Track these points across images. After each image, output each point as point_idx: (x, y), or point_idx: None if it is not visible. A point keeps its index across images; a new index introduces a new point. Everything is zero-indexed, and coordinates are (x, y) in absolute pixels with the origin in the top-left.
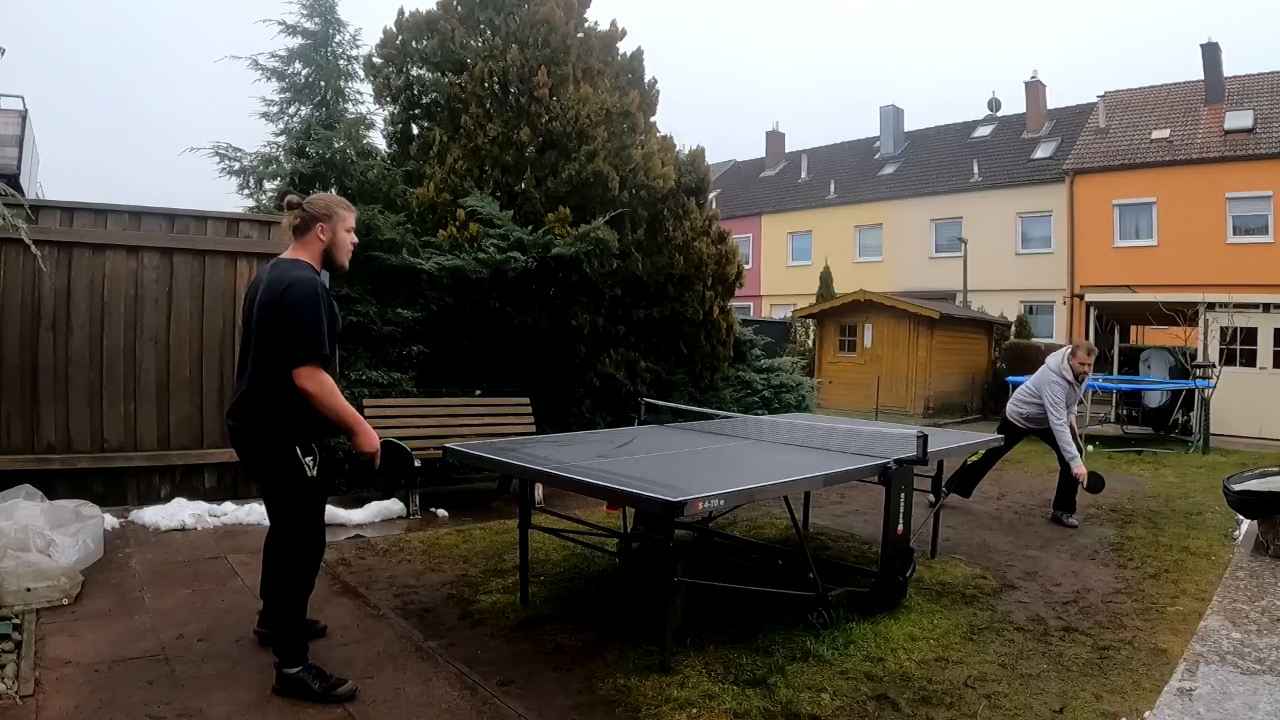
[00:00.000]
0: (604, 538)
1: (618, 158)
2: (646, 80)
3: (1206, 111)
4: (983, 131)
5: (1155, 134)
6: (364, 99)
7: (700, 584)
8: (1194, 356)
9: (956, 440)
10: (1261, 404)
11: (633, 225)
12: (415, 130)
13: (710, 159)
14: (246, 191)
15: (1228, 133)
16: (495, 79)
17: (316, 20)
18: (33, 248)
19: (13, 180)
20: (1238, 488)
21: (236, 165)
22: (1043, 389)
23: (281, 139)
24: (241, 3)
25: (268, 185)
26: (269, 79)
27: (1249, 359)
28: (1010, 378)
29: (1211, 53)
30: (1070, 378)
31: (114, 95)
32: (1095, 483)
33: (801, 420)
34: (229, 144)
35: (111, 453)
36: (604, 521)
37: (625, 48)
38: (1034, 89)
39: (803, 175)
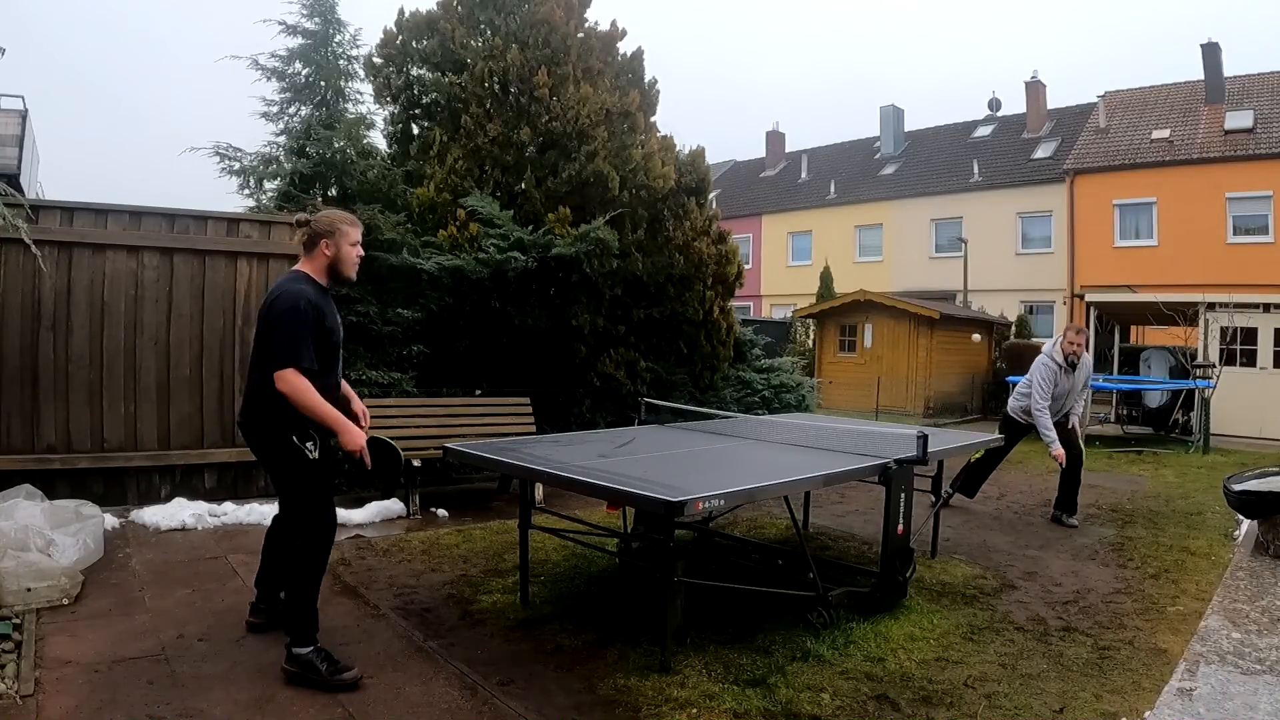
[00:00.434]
0: (604, 538)
1: (618, 158)
2: (646, 80)
3: (1206, 111)
4: (983, 131)
5: (1155, 134)
6: (364, 99)
7: (700, 584)
8: (1194, 356)
9: (956, 440)
10: (1261, 404)
11: (633, 225)
12: (415, 130)
13: (710, 159)
14: (246, 191)
15: (1228, 133)
16: (495, 79)
17: (316, 20)
18: (33, 248)
19: (13, 180)
20: (1238, 488)
21: (236, 165)
22: (1031, 373)
23: (281, 139)
24: (241, 3)
25: (268, 185)
26: (269, 79)
27: (1249, 359)
28: (1010, 378)
29: (1211, 53)
30: (1060, 360)
31: (114, 95)
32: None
33: (801, 420)
34: (229, 144)
35: (111, 453)
36: (604, 521)
37: (625, 48)
38: (1034, 89)
39: (803, 175)
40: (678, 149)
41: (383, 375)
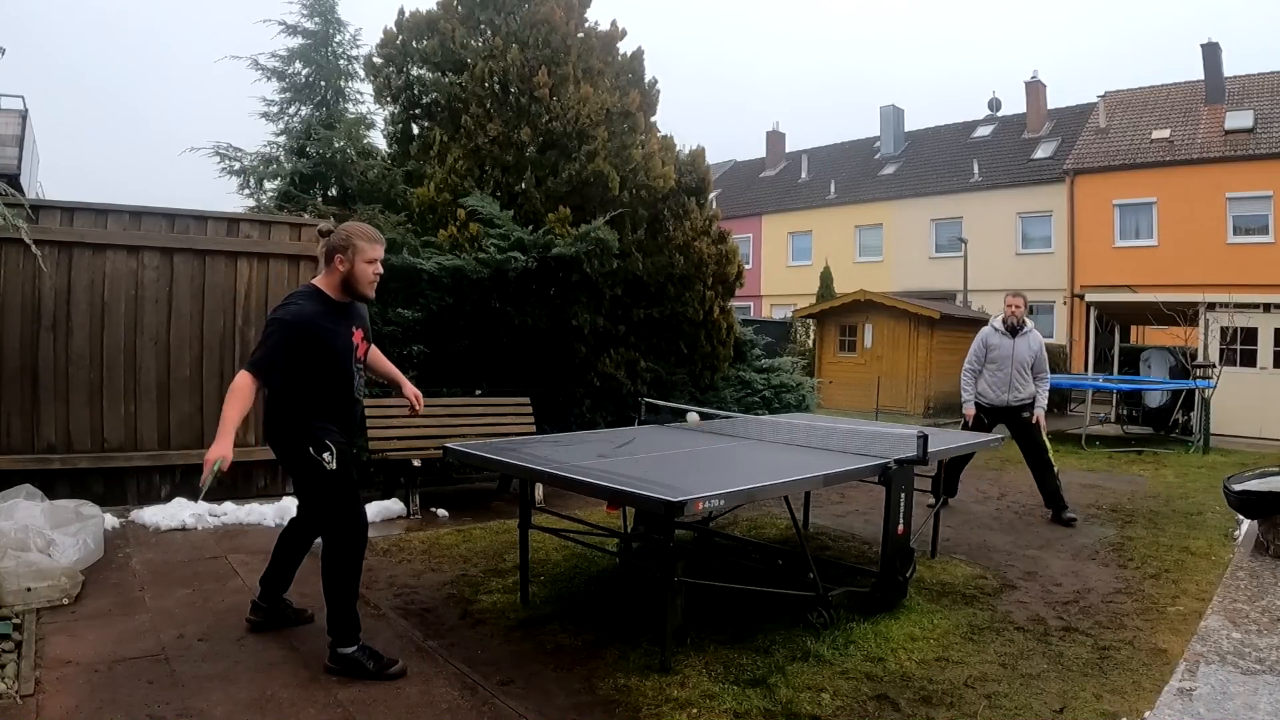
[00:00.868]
0: (604, 538)
1: (618, 158)
2: (647, 80)
3: (1206, 111)
4: (983, 131)
5: (1155, 134)
6: (364, 99)
7: (700, 584)
8: (1194, 356)
9: (956, 440)
10: (1261, 404)
11: (633, 225)
12: (415, 130)
13: (710, 159)
14: (246, 191)
15: (1228, 133)
16: (495, 79)
17: (316, 20)
18: (33, 248)
19: (13, 180)
20: (1238, 488)
21: (236, 165)
22: None
23: (282, 139)
24: (241, 3)
25: (268, 185)
26: (269, 79)
27: (1249, 359)
28: None
29: (1211, 53)
30: (998, 325)
31: (114, 95)
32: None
33: (801, 420)
34: (229, 144)
35: (111, 453)
36: (604, 521)
37: (625, 48)
38: (1034, 89)
39: (803, 175)
40: (678, 149)
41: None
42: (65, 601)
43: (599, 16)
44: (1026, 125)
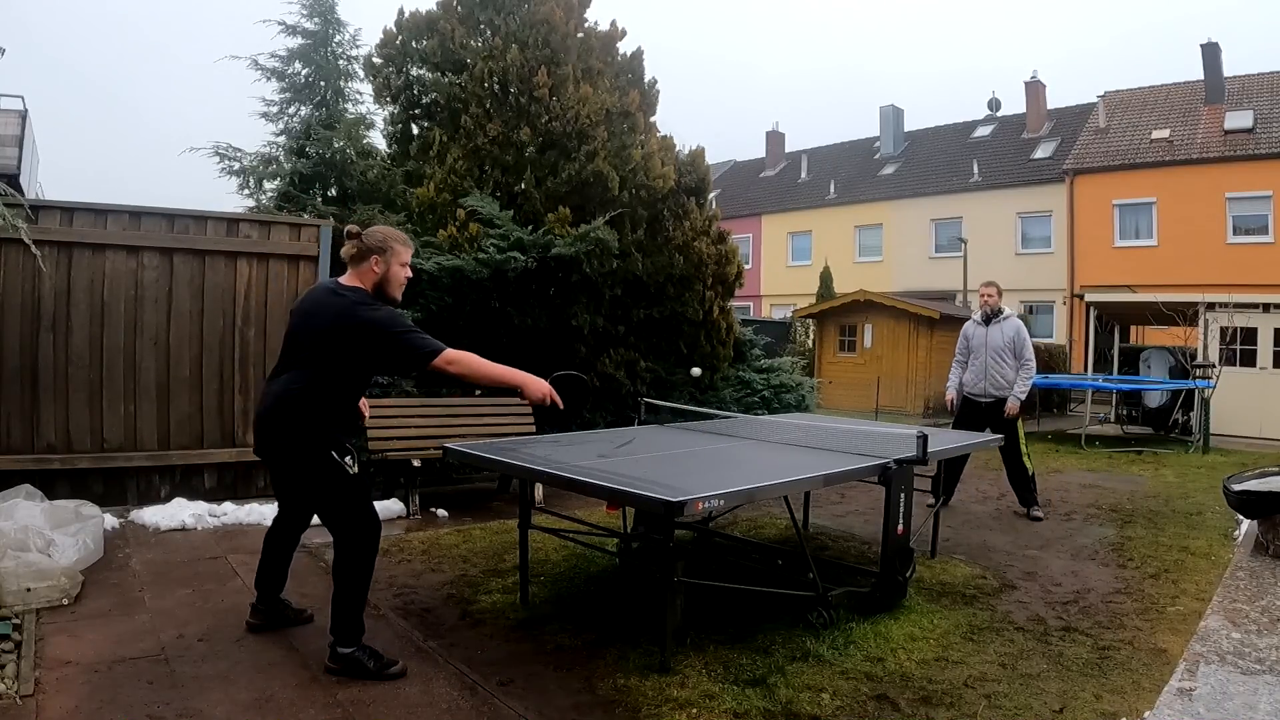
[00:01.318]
0: (604, 538)
1: (618, 158)
2: (646, 80)
3: (1206, 111)
4: (983, 131)
5: (1155, 134)
6: (364, 99)
7: (700, 584)
8: (1194, 356)
9: (956, 440)
10: (1261, 404)
11: (633, 225)
12: (415, 130)
13: (710, 159)
14: (246, 191)
15: (1228, 133)
16: (495, 79)
17: (316, 20)
18: (33, 248)
19: (13, 180)
20: (1238, 488)
21: (236, 165)
22: None
23: (281, 139)
24: (241, 3)
25: (267, 185)
26: (269, 79)
27: (1249, 359)
28: None
29: (1211, 53)
30: (977, 316)
31: (114, 95)
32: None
33: (801, 420)
34: (229, 144)
35: (111, 453)
36: (604, 521)
37: (625, 48)
38: (1034, 89)
39: (803, 175)
40: (678, 149)
41: (382, 375)
42: (65, 602)
43: (599, 16)
44: (1026, 125)
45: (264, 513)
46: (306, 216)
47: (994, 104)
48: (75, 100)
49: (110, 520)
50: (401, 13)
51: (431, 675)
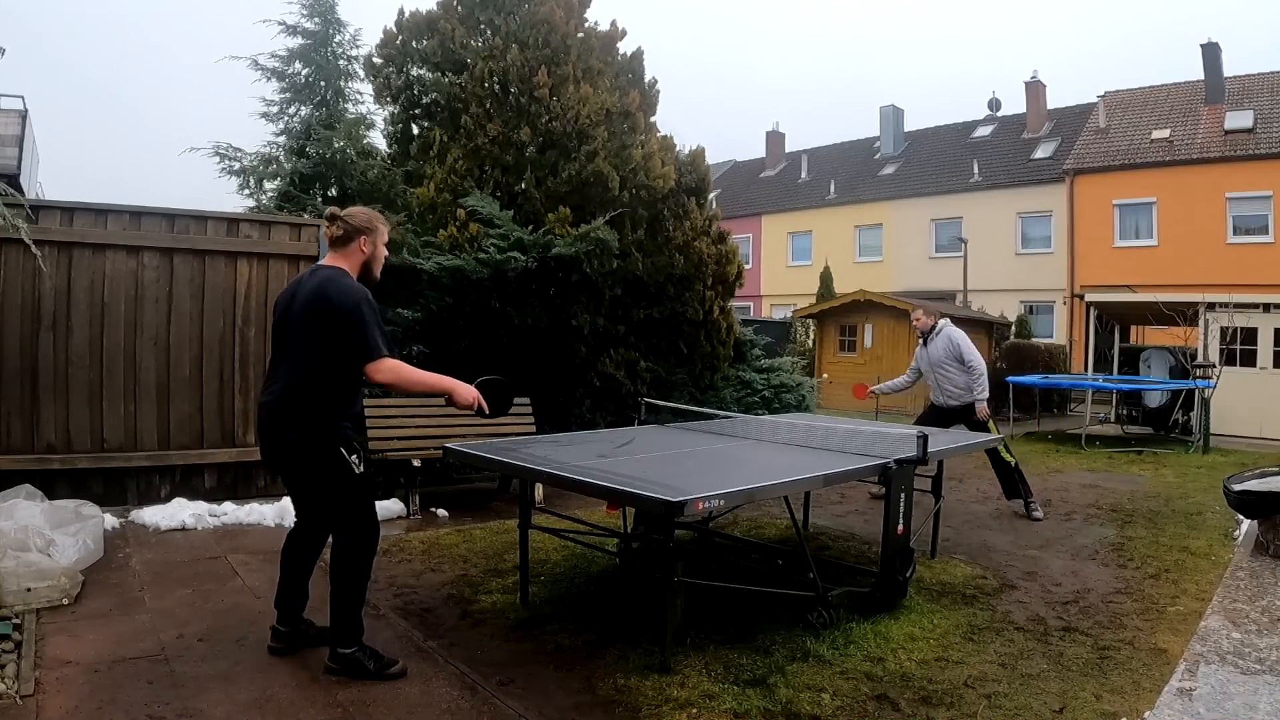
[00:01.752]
0: (604, 538)
1: (618, 158)
2: (646, 80)
3: (1206, 111)
4: (983, 131)
5: (1155, 134)
6: (364, 99)
7: (700, 584)
8: (1194, 356)
9: (956, 440)
10: (1261, 404)
11: (633, 225)
12: (415, 130)
13: (710, 159)
14: (246, 191)
15: (1228, 133)
16: (495, 79)
17: (316, 20)
18: (33, 248)
19: (13, 180)
20: (1238, 488)
21: (236, 165)
22: None
23: (281, 139)
24: (241, 3)
25: (268, 185)
26: (269, 79)
27: (1249, 359)
28: (1010, 378)
29: (1211, 53)
30: (920, 341)
31: (114, 95)
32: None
33: (801, 420)
34: (229, 144)
35: (111, 453)
36: (604, 521)
37: (625, 48)
38: (1034, 89)
39: (803, 175)
40: (678, 149)
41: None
42: (65, 602)
43: (599, 16)
44: (1026, 125)
45: (264, 513)
46: (306, 216)
47: (994, 104)
48: (75, 100)
49: (110, 520)
50: (401, 13)
51: (431, 675)
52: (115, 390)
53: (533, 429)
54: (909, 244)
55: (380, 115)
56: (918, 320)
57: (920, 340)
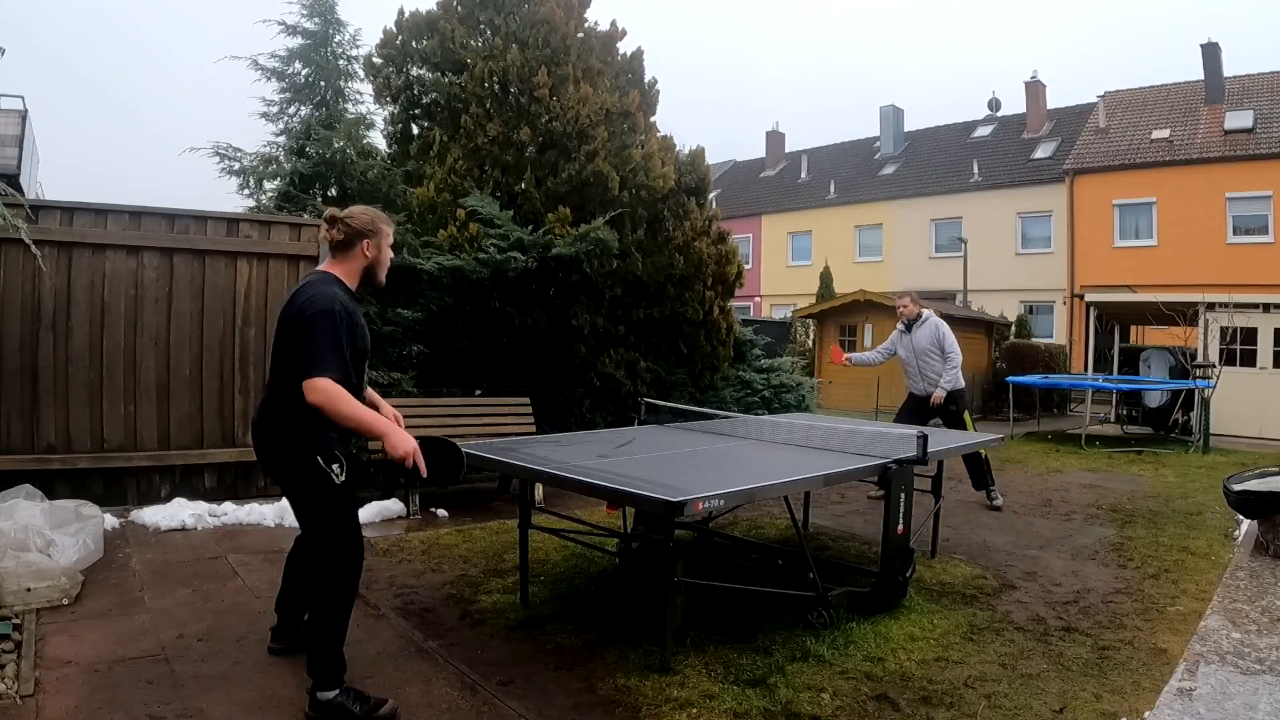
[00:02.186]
0: (604, 538)
1: (618, 158)
2: (646, 80)
3: (1206, 111)
4: (983, 131)
5: (1155, 134)
6: (364, 99)
7: (700, 584)
8: (1194, 356)
9: (956, 440)
10: (1261, 404)
11: (633, 225)
12: (415, 130)
13: (710, 159)
14: (246, 191)
15: (1228, 133)
16: (495, 79)
17: (316, 20)
18: (33, 248)
19: (13, 180)
20: (1238, 488)
21: (236, 165)
22: None
23: (281, 139)
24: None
25: (268, 185)
26: (269, 79)
27: (1249, 359)
28: (1010, 378)
29: (1211, 53)
30: (901, 325)
31: (114, 95)
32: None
33: (801, 420)
34: (229, 144)
35: (111, 453)
36: (604, 521)
37: (625, 48)
38: (1034, 89)
39: (803, 175)
40: (678, 149)
41: (382, 375)
42: (65, 602)
43: (599, 16)
44: (1026, 125)
45: (264, 513)
46: (306, 216)
47: (994, 104)
48: (75, 100)
49: (110, 520)
50: (401, 13)
51: (431, 675)
52: (115, 390)
53: (533, 429)
54: (909, 244)
55: (380, 115)
56: (905, 307)
57: (902, 327)
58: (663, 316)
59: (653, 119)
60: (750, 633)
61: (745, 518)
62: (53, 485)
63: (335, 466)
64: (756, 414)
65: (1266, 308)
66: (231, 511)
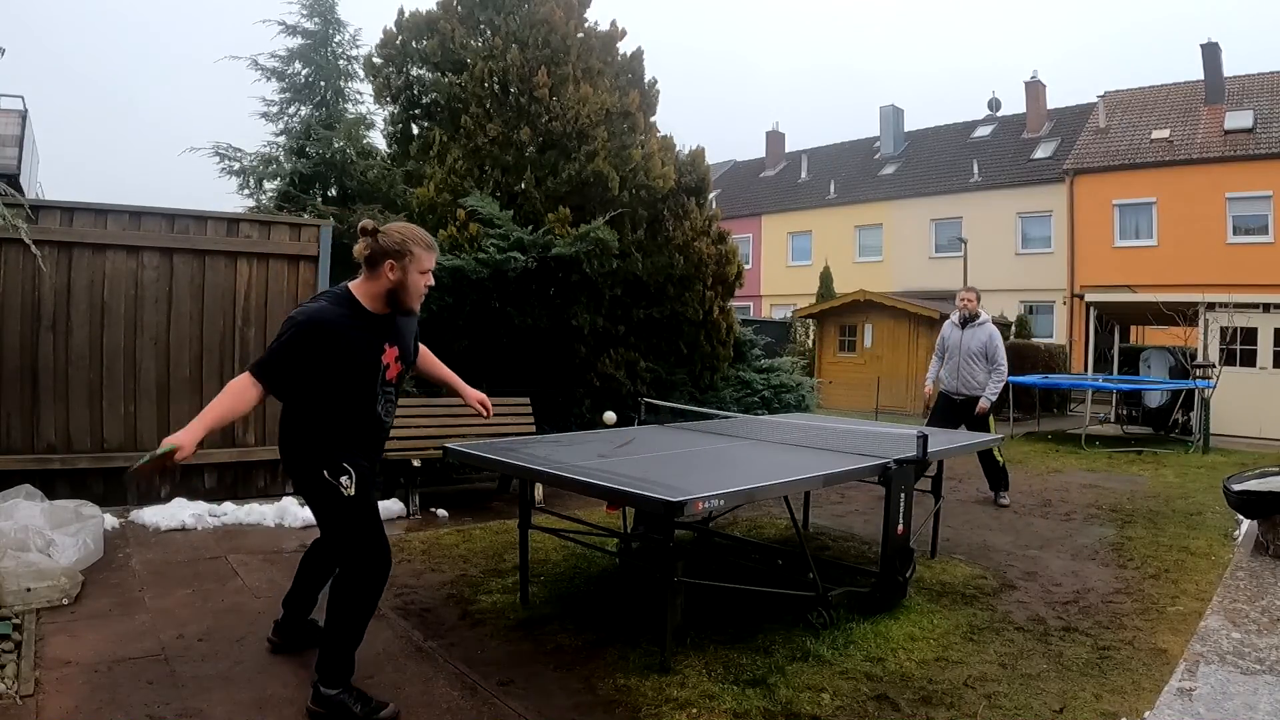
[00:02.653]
0: (604, 538)
1: (618, 158)
2: (646, 80)
3: (1206, 111)
4: (983, 131)
5: (1155, 134)
6: (364, 99)
7: (700, 584)
8: (1194, 356)
9: (956, 440)
10: (1261, 404)
11: (633, 225)
12: (415, 130)
13: (710, 159)
14: (246, 191)
15: (1228, 133)
16: (495, 79)
17: (316, 20)
18: (33, 248)
19: (13, 180)
20: (1238, 488)
21: (236, 165)
22: None
23: (281, 139)
24: (241, 3)
25: (267, 185)
26: (269, 79)
27: (1249, 359)
28: (1010, 378)
29: (1211, 53)
30: (955, 319)
31: (114, 95)
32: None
33: (801, 420)
34: (229, 144)
35: (111, 453)
36: (604, 521)
37: (625, 48)
38: (1034, 89)
39: (803, 175)
40: (678, 149)
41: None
42: (65, 602)
43: (599, 16)
44: (1026, 125)
45: (264, 513)
46: (306, 216)
47: (994, 104)
48: (75, 100)
49: (110, 520)
50: (401, 13)
51: (431, 675)
52: (115, 390)
53: (533, 429)
54: (909, 244)
55: (380, 115)
56: (969, 301)
57: (958, 321)
58: (663, 316)
59: (653, 119)
60: (750, 633)
61: (745, 518)
62: (53, 485)
63: (344, 479)
64: (756, 414)
65: (1266, 308)
66: (231, 511)
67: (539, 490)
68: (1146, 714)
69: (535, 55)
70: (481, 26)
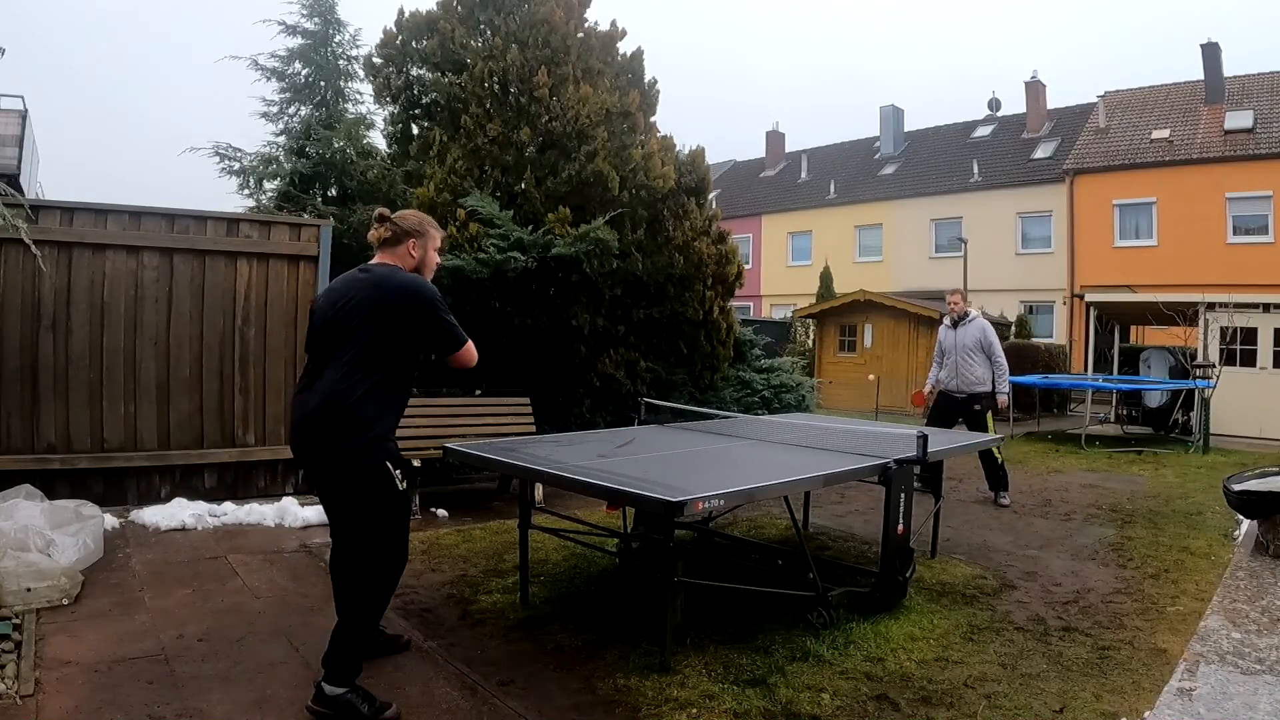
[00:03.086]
0: (604, 538)
1: (618, 158)
2: (646, 80)
3: (1206, 111)
4: (983, 131)
5: (1155, 134)
6: (364, 99)
7: (700, 584)
8: (1194, 356)
9: (956, 440)
10: (1261, 404)
11: (633, 225)
12: (415, 130)
13: (710, 159)
14: (246, 191)
15: (1228, 133)
16: (495, 79)
17: (316, 20)
18: (33, 248)
19: (13, 180)
20: (1238, 488)
21: (236, 165)
22: None
23: (281, 139)
24: (241, 3)
25: (267, 185)
26: (269, 79)
27: (1249, 359)
28: (1010, 378)
29: (1211, 53)
30: (947, 321)
31: (114, 95)
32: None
33: (801, 420)
34: (229, 144)
35: (111, 453)
36: (604, 521)
37: (625, 48)
38: (1034, 89)
39: (803, 175)
40: (678, 149)
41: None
42: (65, 602)
43: (599, 16)
44: (1026, 125)
45: (264, 513)
46: (306, 216)
47: (994, 104)
48: (75, 100)
49: (110, 520)
50: (401, 13)
51: (431, 675)
52: (115, 390)
53: (533, 429)
54: (909, 244)
55: (380, 115)
56: (956, 304)
57: (949, 323)
58: (662, 316)
59: (653, 119)
60: (750, 633)
61: (745, 518)
62: (53, 485)
63: (399, 472)
64: (756, 414)
65: (1266, 308)
66: (231, 511)
67: (539, 490)
68: (1146, 714)
69: (535, 55)
70: (481, 26)
